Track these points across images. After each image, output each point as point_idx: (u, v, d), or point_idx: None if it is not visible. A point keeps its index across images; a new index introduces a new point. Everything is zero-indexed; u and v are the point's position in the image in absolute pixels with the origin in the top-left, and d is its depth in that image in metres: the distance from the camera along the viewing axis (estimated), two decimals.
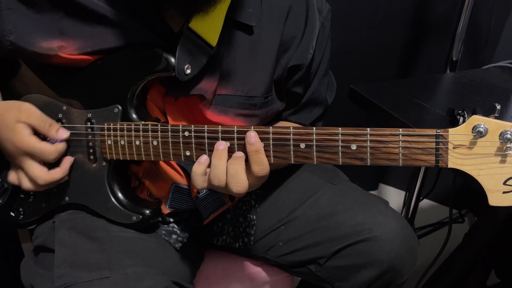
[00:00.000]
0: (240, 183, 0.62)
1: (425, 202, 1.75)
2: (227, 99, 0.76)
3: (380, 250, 0.79)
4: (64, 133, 0.71)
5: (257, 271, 0.96)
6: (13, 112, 0.67)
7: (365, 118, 1.19)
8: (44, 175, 0.69)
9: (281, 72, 0.79)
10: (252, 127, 0.63)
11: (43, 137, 0.70)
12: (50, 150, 0.68)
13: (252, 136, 0.61)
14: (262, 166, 0.62)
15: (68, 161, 0.72)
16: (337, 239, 0.82)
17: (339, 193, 0.87)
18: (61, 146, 0.70)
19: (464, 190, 1.60)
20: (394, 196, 1.93)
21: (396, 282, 0.84)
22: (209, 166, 0.64)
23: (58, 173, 0.70)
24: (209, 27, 0.69)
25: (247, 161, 0.63)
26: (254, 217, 0.90)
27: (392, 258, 0.79)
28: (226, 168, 0.62)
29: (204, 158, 0.64)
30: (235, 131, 0.63)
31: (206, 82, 0.73)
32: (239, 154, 0.63)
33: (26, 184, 0.70)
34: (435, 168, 1.51)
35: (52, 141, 0.70)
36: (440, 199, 1.86)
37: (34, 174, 0.68)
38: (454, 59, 1.29)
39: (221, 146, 0.63)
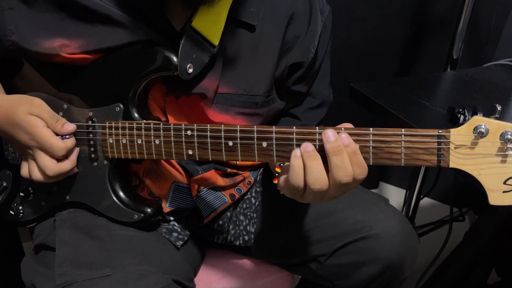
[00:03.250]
0: (347, 172, 0.56)
1: (425, 201, 1.74)
2: (229, 98, 0.76)
3: (381, 248, 0.79)
4: (70, 127, 0.71)
5: (258, 269, 0.96)
6: (25, 105, 0.68)
7: (365, 117, 1.18)
8: (53, 166, 0.69)
9: (282, 71, 0.79)
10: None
11: None
12: (60, 146, 0.68)
13: (345, 138, 0.57)
14: (362, 167, 0.58)
15: (75, 153, 0.72)
16: (337, 237, 0.82)
17: None
18: (70, 143, 0.70)
19: (464, 189, 1.60)
20: (395, 195, 1.93)
21: (396, 280, 0.84)
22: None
23: (67, 164, 0.71)
24: (211, 26, 0.69)
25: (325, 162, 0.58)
26: (255, 215, 0.90)
27: (392, 256, 0.79)
28: (324, 169, 0.57)
29: (298, 151, 0.58)
30: (238, 130, 0.63)
31: (208, 80, 0.73)
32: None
33: (36, 174, 0.70)
34: (436, 167, 1.51)
35: (61, 137, 0.70)
36: (441, 197, 1.86)
37: (44, 165, 0.68)
38: (454, 57, 1.29)
39: (310, 147, 0.58)
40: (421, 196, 1.52)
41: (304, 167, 0.58)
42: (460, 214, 1.56)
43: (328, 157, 0.57)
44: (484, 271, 1.23)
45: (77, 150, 0.73)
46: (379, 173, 1.98)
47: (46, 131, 0.68)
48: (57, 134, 0.70)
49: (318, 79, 0.86)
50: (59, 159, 0.70)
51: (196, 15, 0.68)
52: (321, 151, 0.58)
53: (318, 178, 0.57)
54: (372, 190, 1.79)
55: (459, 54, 1.29)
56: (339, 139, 0.57)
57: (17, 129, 0.68)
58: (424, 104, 0.96)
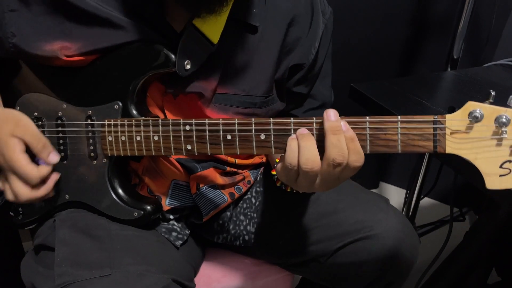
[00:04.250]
0: (342, 152, 0.58)
1: (425, 201, 1.75)
2: (227, 98, 0.76)
3: (381, 248, 0.79)
4: (54, 158, 0.69)
5: (258, 269, 0.96)
6: (10, 125, 0.66)
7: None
8: (26, 193, 0.68)
9: (283, 72, 0.79)
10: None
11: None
12: (34, 176, 0.66)
13: (344, 125, 0.59)
14: (358, 155, 0.59)
15: (53, 179, 0.70)
16: (337, 237, 0.82)
17: (340, 191, 0.87)
18: (45, 171, 0.68)
19: (465, 188, 1.60)
20: (395, 195, 1.93)
21: (396, 280, 0.84)
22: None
23: (41, 191, 0.69)
24: (212, 25, 0.69)
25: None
26: (255, 215, 0.90)
27: (392, 256, 0.79)
28: (317, 150, 0.59)
29: (294, 135, 0.61)
30: (236, 123, 0.64)
31: (206, 80, 0.73)
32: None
33: (9, 196, 0.69)
34: (435, 167, 1.52)
35: (41, 161, 0.69)
36: (441, 197, 1.86)
37: (17, 191, 0.67)
38: (455, 57, 1.29)
39: (305, 130, 0.60)
40: (421, 196, 1.52)
41: (298, 147, 0.60)
42: (460, 214, 1.56)
43: (325, 135, 0.59)
44: (484, 271, 1.23)
45: (56, 176, 0.71)
46: (379, 173, 1.98)
47: (22, 157, 0.66)
48: (38, 159, 0.68)
49: (319, 80, 0.86)
50: (33, 186, 0.68)
51: (201, 15, 0.68)
52: (318, 140, 0.60)
53: (310, 158, 0.59)
54: (372, 190, 1.78)
55: (460, 54, 1.29)
56: (339, 120, 0.59)
57: None
58: (424, 104, 0.96)
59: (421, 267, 1.18)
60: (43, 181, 0.69)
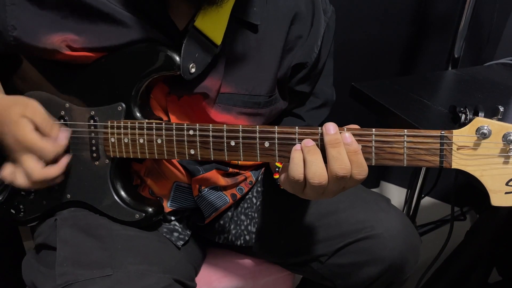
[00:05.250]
0: (344, 165, 0.57)
1: (426, 200, 1.74)
2: (231, 98, 0.76)
3: (382, 248, 0.79)
4: (64, 132, 0.69)
5: (259, 269, 0.96)
6: (19, 107, 0.67)
7: (366, 116, 1.18)
8: (39, 169, 0.67)
9: (285, 71, 0.79)
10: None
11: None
12: (50, 149, 0.67)
13: (348, 137, 0.58)
14: (362, 167, 0.58)
15: (65, 159, 0.70)
16: (338, 237, 0.82)
17: None
18: (61, 147, 0.69)
19: (465, 188, 1.59)
20: (396, 194, 1.93)
21: (398, 279, 0.84)
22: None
23: (54, 170, 0.68)
24: (214, 25, 0.69)
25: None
26: (256, 215, 0.90)
27: (394, 256, 0.79)
28: (324, 164, 0.58)
29: (298, 146, 0.60)
30: (240, 130, 0.63)
31: (210, 80, 0.73)
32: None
33: (20, 179, 0.68)
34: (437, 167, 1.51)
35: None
36: (442, 196, 1.86)
37: (30, 168, 0.66)
38: (456, 56, 1.29)
39: (310, 142, 0.59)
40: (422, 195, 1.51)
41: (304, 161, 0.59)
42: (461, 213, 1.56)
43: (326, 149, 0.58)
44: (485, 270, 1.23)
45: (69, 157, 0.71)
46: (380, 172, 1.98)
47: (34, 135, 0.66)
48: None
49: (321, 79, 0.86)
50: (47, 164, 0.68)
51: (199, 14, 0.68)
52: (323, 150, 0.59)
53: (317, 172, 0.58)
54: (373, 189, 1.79)
55: (461, 53, 1.28)
56: (338, 133, 0.58)
57: (6, 130, 0.67)
58: (425, 103, 0.96)
59: (422, 266, 1.18)
60: (56, 161, 0.69)
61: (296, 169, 0.59)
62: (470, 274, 1.21)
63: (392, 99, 0.97)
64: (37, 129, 0.68)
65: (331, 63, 0.87)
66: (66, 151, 0.73)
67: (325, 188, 0.60)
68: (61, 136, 0.69)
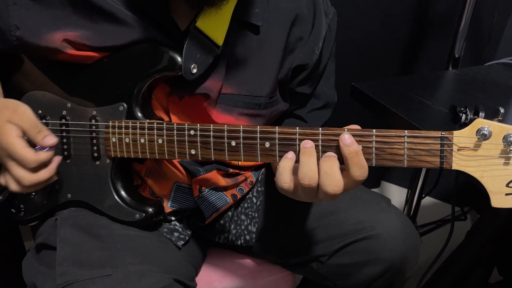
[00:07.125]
0: (335, 182, 0.57)
1: (427, 200, 1.74)
2: (232, 98, 0.76)
3: (382, 248, 0.79)
4: (50, 140, 0.67)
5: (259, 269, 0.96)
6: (7, 112, 0.65)
7: (367, 116, 1.18)
8: (28, 175, 0.65)
9: (286, 72, 0.79)
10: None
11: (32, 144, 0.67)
12: (31, 159, 0.64)
13: (347, 138, 0.58)
14: (363, 169, 0.58)
15: (55, 161, 0.68)
16: (339, 237, 0.82)
17: None
18: (44, 157, 0.66)
19: (466, 188, 1.59)
20: (396, 194, 1.93)
21: (398, 280, 0.84)
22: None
23: (43, 174, 0.66)
24: (216, 26, 0.69)
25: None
26: (256, 214, 0.90)
27: (394, 256, 0.79)
28: (317, 166, 0.58)
29: (291, 154, 0.61)
30: (241, 130, 0.63)
31: (212, 81, 0.73)
32: (331, 154, 0.59)
33: (13, 186, 0.67)
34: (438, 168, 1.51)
35: (39, 148, 0.67)
36: (442, 196, 1.86)
37: (18, 175, 0.65)
38: (456, 56, 1.29)
39: (308, 144, 0.59)
40: (423, 195, 1.51)
41: (299, 163, 0.59)
42: (462, 213, 1.56)
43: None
44: (486, 270, 1.23)
45: (58, 159, 0.69)
46: (381, 172, 1.98)
47: (18, 141, 0.64)
48: (37, 146, 0.67)
49: (322, 80, 0.86)
50: (34, 170, 0.66)
51: (201, 15, 0.68)
52: (322, 151, 0.60)
53: (308, 173, 0.58)
54: (374, 189, 1.78)
55: (461, 53, 1.28)
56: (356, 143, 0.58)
57: None
58: (425, 103, 0.96)
59: (422, 266, 1.18)
60: (45, 165, 0.67)
61: (284, 175, 0.60)
62: (471, 274, 1.21)
63: (392, 99, 0.97)
64: (25, 135, 0.66)
65: (332, 65, 0.87)
66: (62, 151, 0.73)
67: (316, 190, 0.60)
68: (47, 140, 0.66)
